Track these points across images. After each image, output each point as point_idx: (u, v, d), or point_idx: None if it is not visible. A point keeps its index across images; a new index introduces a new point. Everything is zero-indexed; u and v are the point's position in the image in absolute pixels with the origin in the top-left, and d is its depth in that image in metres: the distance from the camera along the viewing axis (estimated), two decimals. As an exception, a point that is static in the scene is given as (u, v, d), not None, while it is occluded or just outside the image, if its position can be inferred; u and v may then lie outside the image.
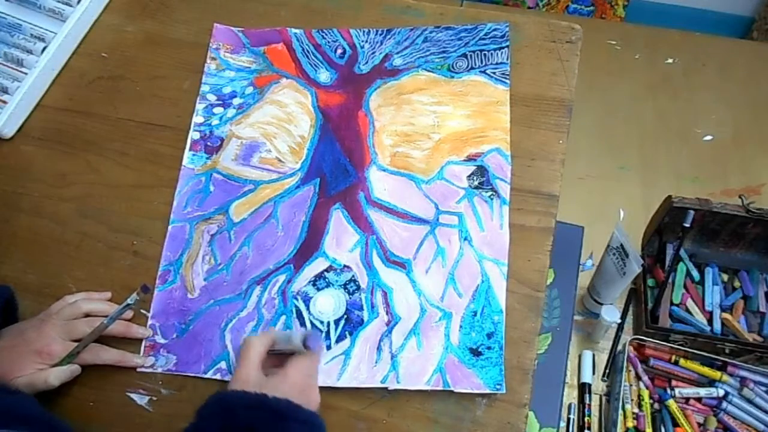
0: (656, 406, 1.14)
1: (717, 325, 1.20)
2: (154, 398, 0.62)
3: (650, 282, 1.25)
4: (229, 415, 0.50)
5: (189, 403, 0.60)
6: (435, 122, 0.72)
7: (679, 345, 1.14)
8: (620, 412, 1.11)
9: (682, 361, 1.14)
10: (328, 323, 0.64)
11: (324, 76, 0.76)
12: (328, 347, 0.63)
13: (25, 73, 0.77)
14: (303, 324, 0.64)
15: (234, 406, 0.51)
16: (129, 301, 0.61)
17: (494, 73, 0.74)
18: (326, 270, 0.66)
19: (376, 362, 0.62)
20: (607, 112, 1.54)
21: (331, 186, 0.70)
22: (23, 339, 0.59)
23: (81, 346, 0.60)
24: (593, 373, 1.19)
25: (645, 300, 1.20)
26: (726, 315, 1.20)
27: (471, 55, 0.75)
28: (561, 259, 1.15)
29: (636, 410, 1.13)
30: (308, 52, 0.77)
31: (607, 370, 1.20)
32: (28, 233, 0.70)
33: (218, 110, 0.75)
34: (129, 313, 0.65)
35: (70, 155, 0.74)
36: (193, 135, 0.73)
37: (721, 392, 1.13)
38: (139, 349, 0.64)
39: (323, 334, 0.63)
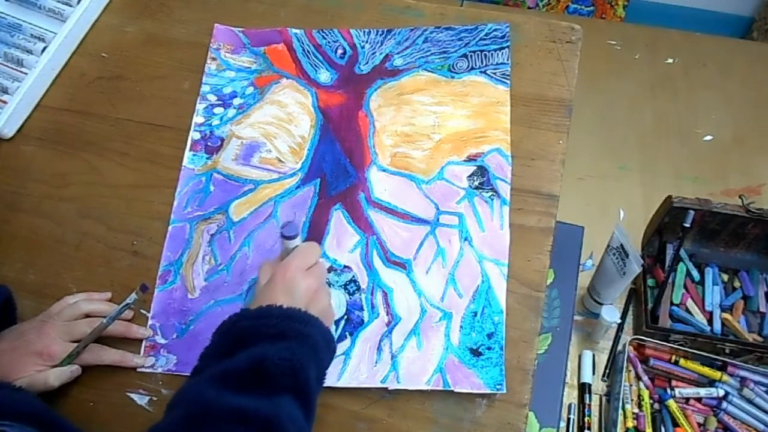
0: (656, 406, 1.14)
1: (717, 325, 1.20)
2: (154, 398, 0.62)
3: (650, 282, 1.25)
4: (222, 330, 0.53)
5: (189, 403, 0.60)
6: (435, 122, 0.72)
7: (679, 345, 1.14)
8: (620, 412, 1.11)
9: (682, 361, 1.14)
10: (329, 323, 0.64)
11: (324, 76, 0.76)
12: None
13: (25, 73, 0.76)
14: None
15: (226, 323, 0.54)
16: (128, 300, 0.61)
17: (494, 73, 0.74)
18: (327, 270, 0.66)
19: (377, 362, 0.62)
20: (607, 112, 1.54)
21: (331, 186, 0.70)
22: (24, 340, 0.59)
23: (81, 346, 0.60)
24: (593, 373, 1.19)
25: (645, 300, 1.20)
26: (726, 315, 1.20)
27: (471, 56, 0.75)
28: (561, 259, 1.15)
29: (636, 410, 1.14)
30: (308, 52, 0.77)
31: (607, 370, 1.20)
32: (28, 233, 0.70)
33: (218, 110, 0.75)
34: (129, 313, 0.65)
35: (70, 155, 0.74)
36: (194, 135, 0.73)
37: (721, 392, 1.13)
38: (140, 349, 0.64)
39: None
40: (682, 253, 1.25)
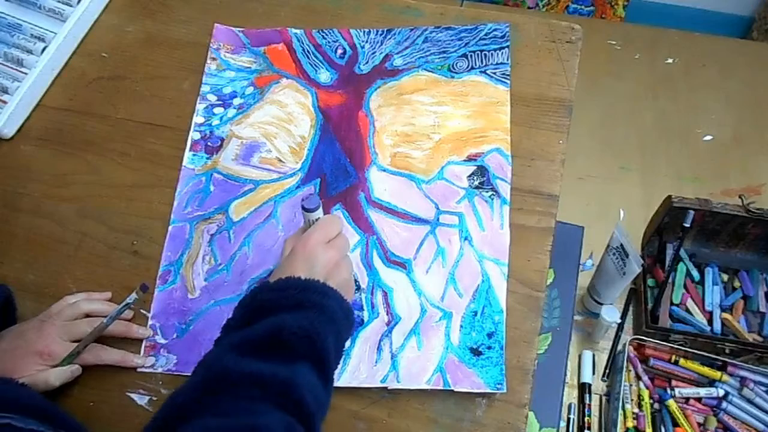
0: (656, 406, 1.14)
1: (717, 325, 1.20)
2: (154, 398, 0.62)
3: (650, 282, 1.25)
4: (243, 302, 0.54)
5: (189, 403, 0.60)
6: (435, 122, 0.72)
7: (679, 345, 1.14)
8: (620, 412, 1.11)
9: (682, 361, 1.14)
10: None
11: (324, 76, 0.76)
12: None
13: (25, 73, 0.77)
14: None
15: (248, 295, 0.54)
16: (128, 300, 0.61)
17: (494, 73, 0.74)
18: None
19: (377, 362, 0.62)
20: (607, 112, 1.54)
21: (331, 186, 0.70)
22: (24, 340, 0.59)
23: (81, 346, 0.60)
24: (593, 373, 1.19)
25: (645, 300, 1.20)
26: (726, 315, 1.20)
27: (471, 56, 0.75)
28: (561, 259, 1.15)
29: (636, 410, 1.13)
30: (308, 52, 0.77)
31: (607, 370, 1.20)
32: (28, 233, 0.70)
33: (218, 110, 0.75)
34: (129, 313, 0.65)
35: (70, 155, 0.74)
36: (194, 135, 0.73)
37: (721, 392, 1.13)
38: (140, 349, 0.64)
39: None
40: (682, 253, 1.25)
